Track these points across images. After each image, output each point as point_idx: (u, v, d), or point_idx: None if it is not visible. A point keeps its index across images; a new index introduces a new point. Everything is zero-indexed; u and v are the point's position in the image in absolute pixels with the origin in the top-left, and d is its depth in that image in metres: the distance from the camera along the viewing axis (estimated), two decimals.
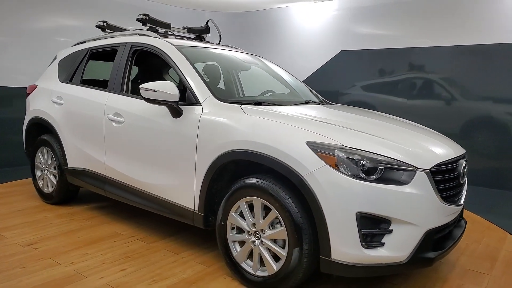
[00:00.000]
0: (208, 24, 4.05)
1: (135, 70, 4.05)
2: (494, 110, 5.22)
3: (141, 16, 3.64)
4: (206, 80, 2.91)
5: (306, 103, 3.28)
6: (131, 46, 3.42)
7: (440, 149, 2.46)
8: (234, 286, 2.51)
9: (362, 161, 2.11)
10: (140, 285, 2.47)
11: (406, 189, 2.12)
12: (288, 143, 2.26)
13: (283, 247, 2.32)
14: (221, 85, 3.71)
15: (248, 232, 2.46)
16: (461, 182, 2.52)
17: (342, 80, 6.56)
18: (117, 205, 4.03)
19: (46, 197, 4.09)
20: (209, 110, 2.69)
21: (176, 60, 3.01)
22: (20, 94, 5.55)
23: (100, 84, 3.80)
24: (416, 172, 2.15)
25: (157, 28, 3.70)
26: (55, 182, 3.97)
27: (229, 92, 3.72)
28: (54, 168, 3.95)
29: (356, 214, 2.07)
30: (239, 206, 2.50)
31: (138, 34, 3.61)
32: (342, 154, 2.12)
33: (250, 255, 2.49)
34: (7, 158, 5.69)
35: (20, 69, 5.69)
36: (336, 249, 2.12)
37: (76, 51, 4.06)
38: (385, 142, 2.30)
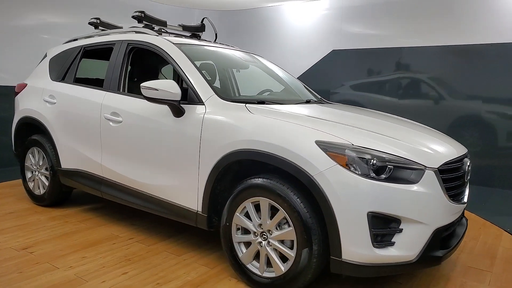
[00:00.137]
0: (204, 22, 4.00)
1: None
2: (482, 109, 5.31)
3: (136, 14, 3.55)
4: (208, 78, 2.86)
5: (307, 102, 3.26)
6: (128, 44, 3.34)
7: (445, 148, 2.48)
8: None
9: (372, 160, 2.10)
10: None
11: (415, 188, 2.12)
12: (297, 142, 2.23)
13: (291, 248, 2.29)
14: (217, 83, 3.65)
15: (255, 233, 2.43)
16: (466, 180, 2.54)
17: (333, 79, 6.58)
18: (112, 206, 3.94)
19: (38, 199, 3.97)
20: (212, 109, 2.64)
21: (177, 59, 2.94)
22: (4, 93, 5.40)
23: (94, 83, 3.71)
24: (425, 171, 2.15)
25: (153, 25, 3.62)
26: (47, 183, 3.85)
27: (225, 91, 3.66)
28: (46, 169, 3.84)
29: (367, 214, 2.05)
30: (244, 207, 2.46)
31: (134, 31, 3.53)
32: (353, 154, 2.10)
33: (256, 256, 2.46)
34: None
35: (2, 68, 5.50)
36: (347, 249, 2.11)
37: (68, 48, 3.95)
38: (393, 141, 2.30)
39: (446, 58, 5.58)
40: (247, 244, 2.49)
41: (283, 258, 2.34)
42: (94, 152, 3.34)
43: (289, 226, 2.28)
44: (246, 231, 2.50)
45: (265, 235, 2.39)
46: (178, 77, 4.35)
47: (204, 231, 2.79)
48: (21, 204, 4.00)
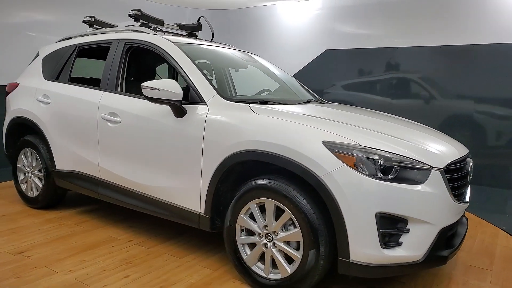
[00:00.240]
0: (200, 21, 3.95)
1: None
2: (473, 108, 5.38)
3: (133, 12, 3.49)
4: (210, 78, 2.83)
5: (308, 102, 3.25)
6: (126, 42, 3.28)
7: (449, 148, 2.49)
8: None
9: (380, 161, 2.09)
10: None
11: (422, 188, 2.12)
12: (304, 143, 2.21)
13: (297, 249, 2.28)
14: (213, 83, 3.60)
15: (259, 234, 2.40)
16: (468, 180, 2.56)
17: (326, 79, 6.59)
18: (108, 208, 3.88)
19: (31, 202, 3.88)
20: (215, 110, 2.61)
21: (177, 58, 2.90)
22: None
23: (90, 82, 3.63)
24: (431, 171, 2.16)
25: (150, 24, 3.57)
26: (40, 185, 3.76)
27: (221, 91, 3.61)
28: (40, 170, 3.75)
29: (376, 215, 2.05)
30: (249, 208, 2.43)
31: (131, 30, 3.46)
32: (361, 154, 2.09)
33: (261, 258, 2.43)
34: None
35: None
36: (355, 250, 2.10)
37: (62, 47, 3.86)
38: (399, 141, 2.30)
39: (438, 58, 5.64)
40: (252, 245, 2.47)
41: (289, 260, 2.33)
42: (91, 153, 3.27)
43: (295, 227, 2.26)
44: (250, 233, 2.47)
45: (270, 236, 2.37)
46: (173, 76, 4.31)
47: (204, 232, 2.76)
48: (13, 206, 3.91)
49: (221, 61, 3.70)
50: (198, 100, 2.70)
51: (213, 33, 4.03)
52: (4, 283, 2.41)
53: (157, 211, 2.90)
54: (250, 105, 2.59)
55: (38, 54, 4.12)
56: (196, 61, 3.06)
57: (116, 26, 4.02)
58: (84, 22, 4.01)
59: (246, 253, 2.48)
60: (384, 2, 6.00)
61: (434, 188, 2.16)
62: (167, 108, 2.74)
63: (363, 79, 6.30)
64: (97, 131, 3.18)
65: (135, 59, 3.63)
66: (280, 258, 2.33)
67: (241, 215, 2.46)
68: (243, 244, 2.49)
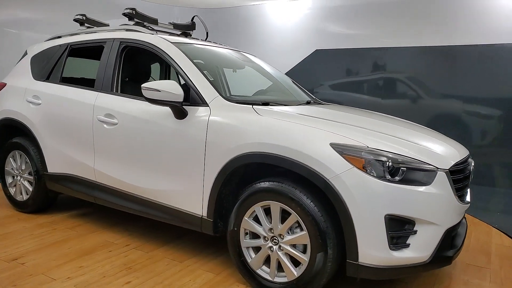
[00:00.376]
0: (194, 20, 3.89)
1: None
2: (461, 108, 5.48)
3: (128, 11, 3.41)
4: (210, 79, 2.78)
5: (308, 103, 3.24)
6: (121, 42, 3.20)
7: (452, 149, 2.51)
8: None
9: (388, 162, 2.09)
10: None
11: (429, 189, 2.13)
12: (311, 145, 2.19)
13: (303, 252, 2.26)
14: None
15: (265, 237, 2.38)
16: (470, 181, 2.59)
17: (317, 79, 6.60)
18: (102, 211, 3.78)
19: (20, 206, 3.75)
20: (218, 111, 2.57)
21: (176, 58, 2.84)
22: None
23: (82, 83, 3.53)
24: (437, 172, 2.17)
25: (144, 23, 3.49)
26: (31, 189, 3.64)
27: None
28: (30, 173, 3.63)
29: (385, 216, 2.05)
30: (254, 211, 2.40)
31: (125, 29, 3.38)
32: (370, 156, 2.09)
33: (266, 261, 2.41)
34: None
35: None
36: (363, 252, 2.09)
37: (52, 46, 3.74)
38: (404, 142, 2.30)
39: (427, 58, 5.72)
40: (256, 249, 2.44)
41: (295, 263, 2.31)
42: (86, 155, 3.18)
43: (301, 230, 2.24)
44: (254, 236, 2.44)
45: (276, 239, 2.34)
46: (166, 76, 4.25)
47: (203, 235, 2.71)
48: (1, 211, 3.77)
49: (219, 61, 3.65)
50: (200, 101, 2.65)
51: (207, 33, 3.98)
52: None
53: (158, 215, 2.84)
54: (254, 106, 2.56)
55: (26, 53, 3.99)
56: (195, 61, 3.02)
57: (108, 25, 3.92)
58: (75, 20, 3.90)
59: (250, 257, 2.45)
60: (374, 2, 6.04)
61: (440, 189, 2.17)
62: (167, 109, 2.68)
63: (353, 79, 6.34)
64: (92, 133, 3.10)
65: (129, 59, 3.54)
66: (286, 261, 2.31)
67: (245, 218, 2.43)
68: (247, 248, 2.46)
